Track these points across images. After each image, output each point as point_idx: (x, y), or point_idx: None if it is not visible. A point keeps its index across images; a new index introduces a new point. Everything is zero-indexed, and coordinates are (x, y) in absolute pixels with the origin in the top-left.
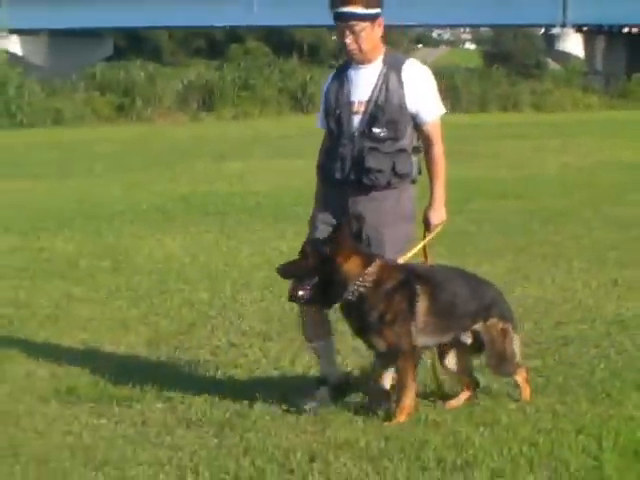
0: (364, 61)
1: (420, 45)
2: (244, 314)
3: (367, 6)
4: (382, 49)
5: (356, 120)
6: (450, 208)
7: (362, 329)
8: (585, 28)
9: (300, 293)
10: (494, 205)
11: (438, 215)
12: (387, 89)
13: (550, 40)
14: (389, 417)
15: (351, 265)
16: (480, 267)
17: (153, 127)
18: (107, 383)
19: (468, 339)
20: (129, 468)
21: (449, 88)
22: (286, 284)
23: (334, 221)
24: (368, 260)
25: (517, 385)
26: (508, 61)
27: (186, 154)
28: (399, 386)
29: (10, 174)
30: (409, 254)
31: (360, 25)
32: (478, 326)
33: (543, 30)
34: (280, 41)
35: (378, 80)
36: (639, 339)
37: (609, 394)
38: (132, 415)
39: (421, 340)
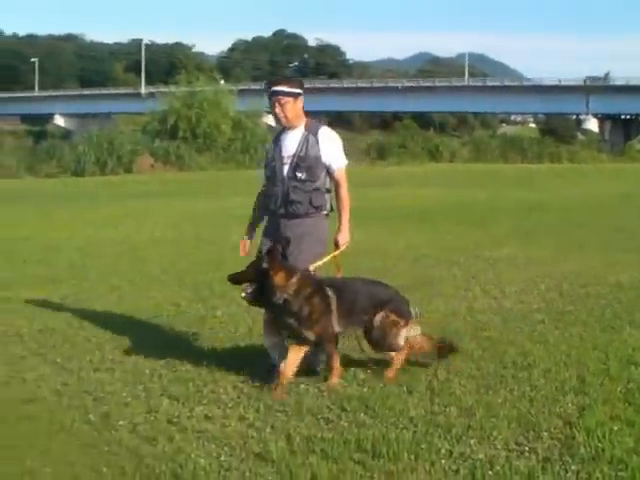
0: (290, 126)
1: (503, 124)
2: None
3: (290, 87)
4: (304, 119)
5: (285, 169)
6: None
7: (292, 326)
8: (599, 115)
9: (243, 295)
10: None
11: (344, 236)
12: (307, 146)
13: (579, 122)
14: (325, 379)
15: (279, 278)
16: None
17: None
18: None
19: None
20: None
21: (519, 149)
22: None
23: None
24: (291, 274)
25: (390, 362)
26: (554, 134)
27: None
28: (329, 360)
29: None
30: (319, 263)
31: (284, 99)
32: (374, 316)
33: (575, 116)
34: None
35: (301, 140)
36: (630, 294)
37: (612, 327)
38: None
39: (337, 328)
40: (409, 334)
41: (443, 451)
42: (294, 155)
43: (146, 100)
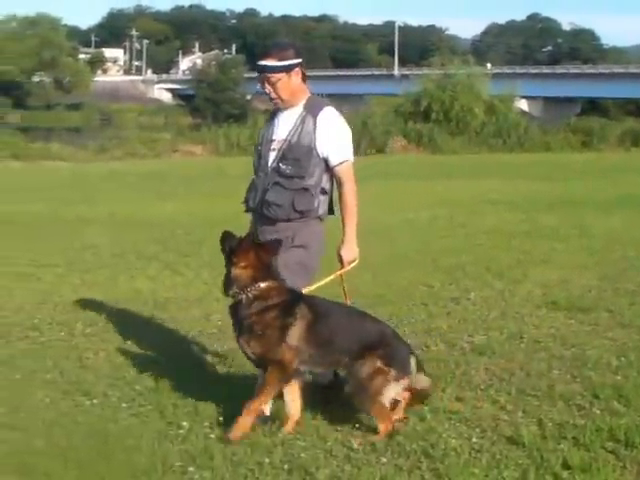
0: (286, 106)
1: None
2: None
3: (280, 59)
4: (305, 94)
5: (272, 156)
6: None
7: (239, 331)
8: None
9: None
10: None
11: (349, 252)
12: (301, 131)
13: None
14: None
15: (242, 272)
16: None
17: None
18: None
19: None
20: None
21: None
22: None
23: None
24: (263, 277)
25: (377, 425)
26: None
27: None
28: (257, 390)
29: None
30: (314, 286)
31: (275, 77)
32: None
33: None
34: None
35: (296, 122)
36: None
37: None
38: None
39: (298, 361)
40: (397, 392)
41: None
42: (284, 140)
43: (399, 82)
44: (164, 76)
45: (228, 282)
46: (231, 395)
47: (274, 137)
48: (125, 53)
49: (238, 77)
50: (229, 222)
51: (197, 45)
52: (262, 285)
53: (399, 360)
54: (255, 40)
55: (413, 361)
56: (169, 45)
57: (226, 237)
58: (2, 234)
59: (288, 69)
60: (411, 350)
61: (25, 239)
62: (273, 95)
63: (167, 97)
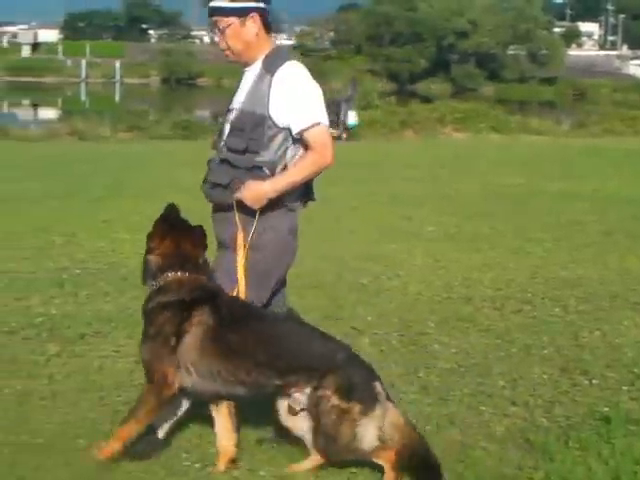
0: (243, 62)
1: None
2: None
3: None
4: (266, 48)
5: (227, 129)
6: None
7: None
8: None
9: None
10: None
11: (249, 191)
12: (254, 94)
13: None
14: None
15: (153, 258)
16: None
17: None
18: None
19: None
20: None
21: None
22: None
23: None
24: (170, 266)
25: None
26: None
27: None
28: (130, 412)
29: None
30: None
31: (224, 21)
32: (301, 392)
33: None
34: None
35: (251, 84)
36: None
37: None
38: None
39: (185, 379)
40: (379, 426)
41: None
42: (237, 109)
43: None
44: (639, 52)
45: (143, 269)
46: None
47: (232, 105)
48: (600, 27)
49: None
50: None
51: None
52: (169, 275)
53: (360, 386)
54: None
55: (379, 386)
56: None
57: (163, 219)
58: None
59: (241, 13)
60: (374, 374)
61: (510, 212)
62: (223, 45)
63: None
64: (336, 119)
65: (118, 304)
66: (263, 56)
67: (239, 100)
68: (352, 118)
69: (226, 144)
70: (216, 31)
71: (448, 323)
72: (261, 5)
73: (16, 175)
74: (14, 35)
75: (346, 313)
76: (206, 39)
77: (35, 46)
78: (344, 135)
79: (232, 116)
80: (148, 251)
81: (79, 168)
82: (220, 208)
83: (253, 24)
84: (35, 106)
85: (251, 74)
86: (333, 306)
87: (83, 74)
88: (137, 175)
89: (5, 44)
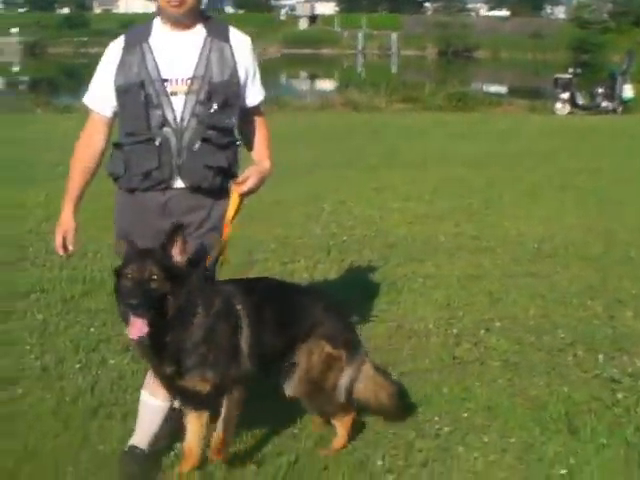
0: (181, 24)
1: None
2: None
3: None
4: (199, 11)
5: (182, 102)
6: None
7: None
8: None
9: None
10: None
11: (260, 179)
12: (218, 63)
13: None
14: None
15: None
16: None
17: None
18: None
19: None
20: None
21: None
22: None
23: None
24: None
25: (336, 430)
26: None
27: None
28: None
29: None
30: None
31: None
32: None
33: None
34: None
35: (203, 51)
36: None
37: None
38: None
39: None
40: (354, 379)
41: None
42: (200, 78)
43: None
44: None
45: None
46: None
47: (170, 75)
48: None
49: None
50: None
51: None
52: None
53: (348, 337)
54: None
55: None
56: None
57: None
58: None
59: None
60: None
61: None
62: None
63: None
64: (611, 92)
65: (381, 272)
66: (201, 22)
67: (185, 68)
68: (628, 91)
69: (203, 121)
70: None
71: None
72: None
73: (290, 145)
74: (292, 8)
75: (611, 285)
76: (482, 12)
77: (312, 19)
78: (620, 108)
79: (196, 87)
80: None
81: (353, 138)
82: (191, 196)
83: None
84: (312, 77)
85: (189, 39)
86: (598, 277)
87: (360, 46)
88: (411, 145)
89: (283, 17)
